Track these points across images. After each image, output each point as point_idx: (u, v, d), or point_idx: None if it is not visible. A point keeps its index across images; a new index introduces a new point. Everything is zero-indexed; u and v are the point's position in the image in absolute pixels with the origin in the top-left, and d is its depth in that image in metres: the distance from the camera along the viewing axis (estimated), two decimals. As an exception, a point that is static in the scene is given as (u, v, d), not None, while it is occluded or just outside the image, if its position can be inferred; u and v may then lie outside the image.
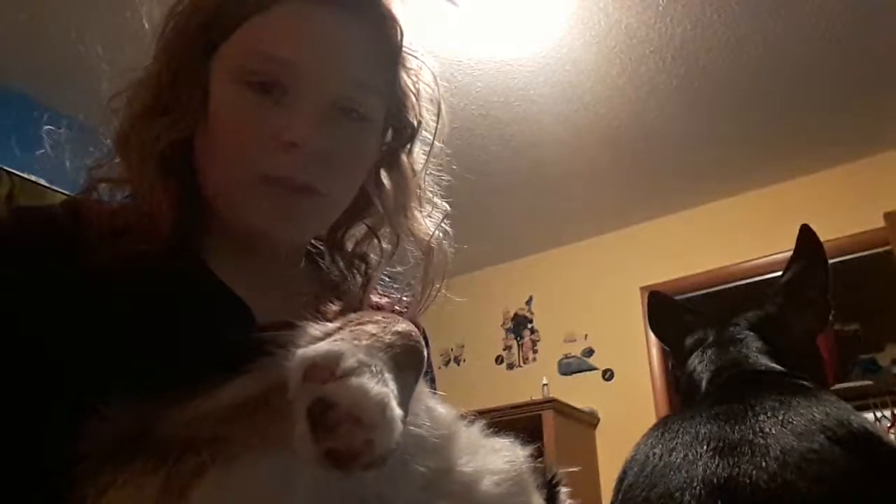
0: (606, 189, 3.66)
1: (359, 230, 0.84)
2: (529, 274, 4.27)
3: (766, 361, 0.77)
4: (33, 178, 2.28)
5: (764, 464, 0.51)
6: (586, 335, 3.97)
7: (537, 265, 4.26)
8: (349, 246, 0.84)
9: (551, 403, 3.47)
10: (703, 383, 0.77)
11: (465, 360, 4.28)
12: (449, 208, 0.85)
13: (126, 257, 0.63)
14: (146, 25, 0.73)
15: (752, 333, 0.83)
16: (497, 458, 0.58)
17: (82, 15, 2.38)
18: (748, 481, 0.51)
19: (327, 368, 0.42)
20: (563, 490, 0.64)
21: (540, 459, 0.63)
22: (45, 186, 2.29)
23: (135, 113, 0.71)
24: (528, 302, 4.25)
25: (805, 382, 0.68)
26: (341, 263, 0.84)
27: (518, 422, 3.46)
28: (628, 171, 3.52)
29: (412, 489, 0.49)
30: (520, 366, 4.16)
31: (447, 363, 4.31)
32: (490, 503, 0.54)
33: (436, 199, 0.84)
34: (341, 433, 0.40)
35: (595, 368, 3.91)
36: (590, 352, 3.96)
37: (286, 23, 0.68)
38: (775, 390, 0.62)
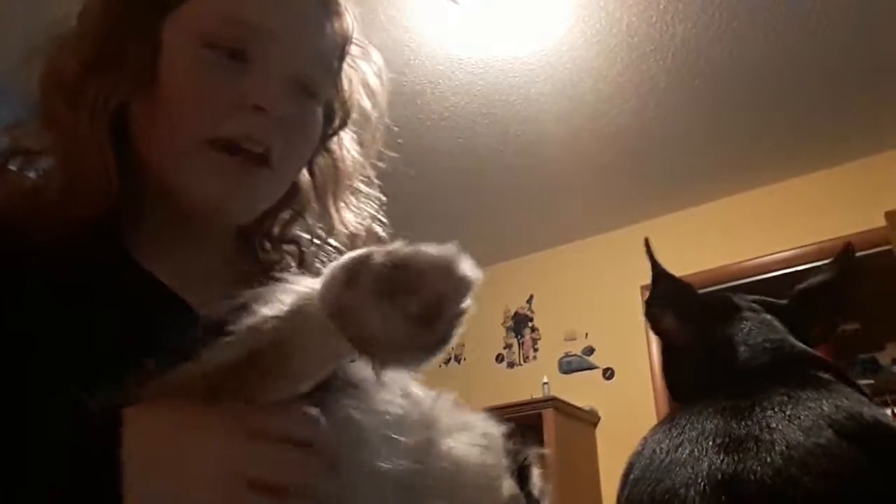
0: (607, 187, 3.65)
1: (285, 215, 0.82)
2: (530, 272, 4.26)
3: (802, 346, 0.74)
4: None
5: (769, 459, 0.51)
6: (587, 334, 3.97)
7: (538, 264, 4.26)
8: (276, 230, 0.82)
9: (552, 402, 3.47)
10: (742, 353, 0.72)
11: (465, 359, 4.28)
12: (383, 198, 0.84)
13: (51, 238, 0.60)
14: None
15: (773, 317, 0.81)
16: (475, 434, 0.58)
17: None
18: (753, 477, 0.50)
19: (387, 253, 0.41)
20: (535, 472, 0.64)
21: (514, 441, 0.63)
22: None
23: (74, 68, 0.66)
24: (529, 300, 4.25)
25: (825, 374, 0.66)
26: (269, 248, 0.82)
27: (518, 420, 3.44)
28: (629, 170, 3.52)
29: (396, 464, 0.50)
30: (520, 364, 4.16)
31: (447, 361, 4.31)
32: (473, 478, 0.54)
33: (363, 187, 0.83)
34: (423, 287, 0.41)
35: (595, 367, 3.91)
36: (590, 350, 3.95)
37: None
38: (787, 383, 0.61)
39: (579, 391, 3.78)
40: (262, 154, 0.67)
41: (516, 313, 4.27)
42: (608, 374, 3.85)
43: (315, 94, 0.72)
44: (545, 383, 3.77)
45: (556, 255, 4.22)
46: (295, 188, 0.79)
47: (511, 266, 4.32)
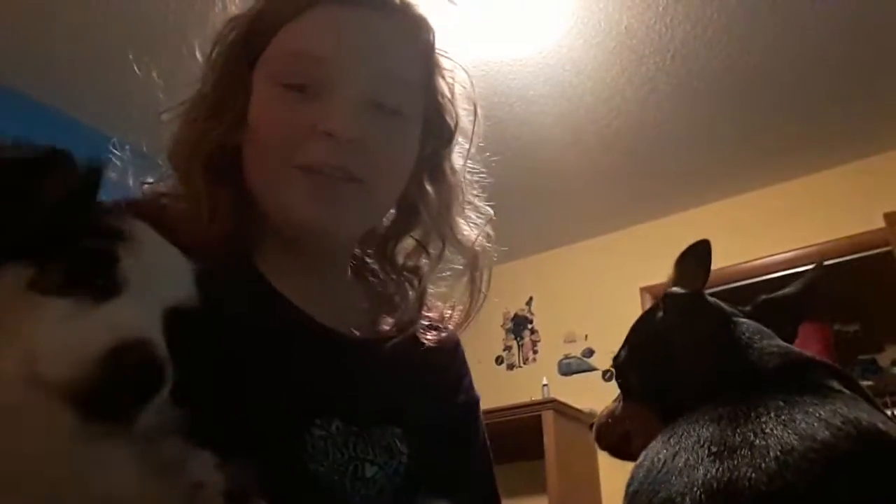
0: (606, 189, 3.65)
1: (408, 243, 0.84)
2: (529, 274, 4.26)
3: (808, 353, 0.73)
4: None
5: (763, 465, 0.50)
6: (586, 335, 3.97)
7: (537, 265, 4.25)
8: (399, 259, 0.84)
9: (551, 404, 3.47)
10: (752, 356, 0.71)
11: (465, 361, 4.28)
12: (491, 212, 0.84)
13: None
14: (199, 57, 0.76)
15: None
16: None
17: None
18: (747, 484, 0.50)
19: None
20: None
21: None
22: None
23: (185, 124, 0.74)
24: (529, 302, 4.25)
25: (832, 381, 0.65)
26: (392, 276, 0.84)
27: (518, 422, 3.45)
28: (628, 172, 3.52)
29: None
30: (520, 366, 4.16)
31: (447, 363, 4.30)
32: None
33: (478, 203, 0.84)
34: None
35: (595, 369, 3.91)
36: (590, 352, 3.95)
37: (317, 24, 0.71)
38: (789, 389, 0.61)
39: (579, 393, 3.78)
40: (343, 175, 0.70)
41: (516, 315, 4.27)
42: (608, 375, 3.85)
43: (397, 111, 0.73)
44: (545, 385, 3.77)
45: (555, 256, 4.21)
46: (414, 211, 0.81)
47: (510, 268, 4.31)
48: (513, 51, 2.76)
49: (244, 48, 0.73)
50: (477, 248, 0.81)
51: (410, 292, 0.83)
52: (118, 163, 0.75)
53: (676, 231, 3.80)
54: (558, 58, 2.80)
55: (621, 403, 0.88)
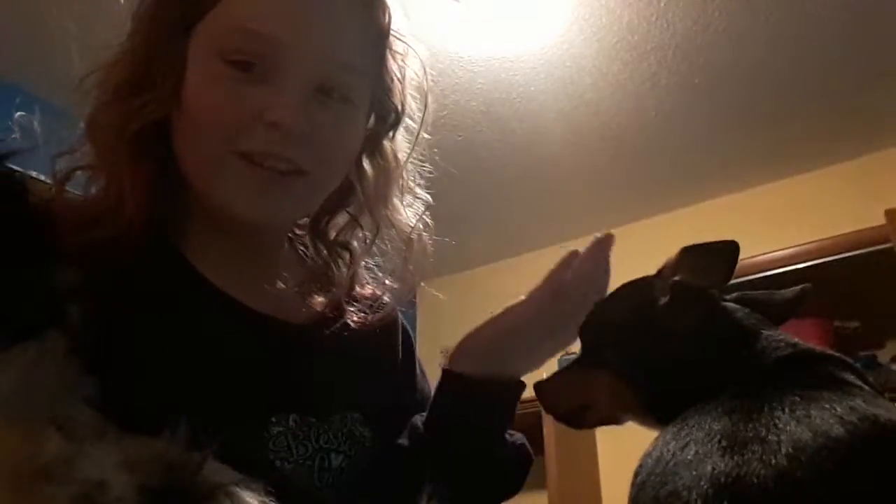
0: (607, 186, 3.65)
1: (341, 218, 0.83)
2: (529, 271, 4.23)
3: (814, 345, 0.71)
4: (33, 173, 2.26)
5: (773, 461, 0.49)
6: (586, 332, 3.96)
7: (537, 262, 4.22)
8: (331, 234, 0.83)
9: (551, 401, 3.46)
10: (761, 345, 0.67)
11: (465, 358, 4.27)
12: (430, 199, 0.84)
13: (97, 249, 0.60)
14: (121, 0, 0.71)
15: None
16: None
17: None
18: (756, 480, 0.49)
19: None
20: None
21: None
22: (44, 182, 2.27)
23: (108, 93, 0.69)
24: (529, 299, 4.24)
25: (848, 375, 0.63)
26: (324, 252, 0.83)
27: (518, 419, 3.44)
28: (629, 168, 3.51)
29: None
30: (520, 363, 4.15)
31: (447, 360, 4.30)
32: None
33: (417, 190, 0.84)
34: None
35: (595, 366, 3.90)
36: (590, 349, 3.94)
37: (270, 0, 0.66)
38: (804, 382, 0.59)
39: (579, 390, 3.77)
40: (288, 166, 0.66)
41: (516, 312, 4.25)
42: (608, 372, 3.84)
43: (347, 98, 0.70)
44: (545, 382, 3.75)
45: (555, 253, 4.17)
46: (349, 189, 0.79)
47: (510, 265, 4.31)
48: (514, 47, 2.75)
49: (180, 8, 0.67)
50: (412, 233, 0.80)
51: (343, 269, 0.82)
52: (26, 125, 0.69)
53: (677, 228, 3.80)
54: (559, 54, 2.79)
55: (580, 371, 0.84)
